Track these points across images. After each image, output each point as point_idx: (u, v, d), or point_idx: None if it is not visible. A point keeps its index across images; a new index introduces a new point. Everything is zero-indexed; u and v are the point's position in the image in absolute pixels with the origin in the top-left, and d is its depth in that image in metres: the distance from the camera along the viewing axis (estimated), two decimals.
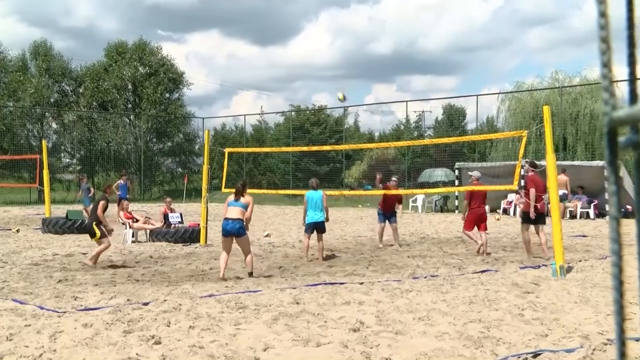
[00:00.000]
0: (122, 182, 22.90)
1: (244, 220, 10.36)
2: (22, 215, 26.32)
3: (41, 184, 22.53)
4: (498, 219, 23.31)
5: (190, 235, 15.74)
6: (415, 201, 29.76)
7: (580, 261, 12.03)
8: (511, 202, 26.14)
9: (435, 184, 34.11)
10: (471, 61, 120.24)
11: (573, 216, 24.00)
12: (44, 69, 41.28)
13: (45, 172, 20.57)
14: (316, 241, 12.88)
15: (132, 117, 44.56)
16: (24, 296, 8.62)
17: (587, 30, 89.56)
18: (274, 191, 27.08)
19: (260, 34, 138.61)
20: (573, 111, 31.21)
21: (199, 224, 16.01)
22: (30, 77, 40.53)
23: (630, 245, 1.91)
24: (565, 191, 22.22)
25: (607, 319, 7.13)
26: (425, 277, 10.26)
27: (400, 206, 15.56)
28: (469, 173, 14.79)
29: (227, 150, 17.32)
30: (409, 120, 43.62)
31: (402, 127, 45.81)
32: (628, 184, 21.21)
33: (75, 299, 8.36)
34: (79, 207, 23.53)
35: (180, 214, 17.32)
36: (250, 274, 10.39)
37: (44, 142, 21.62)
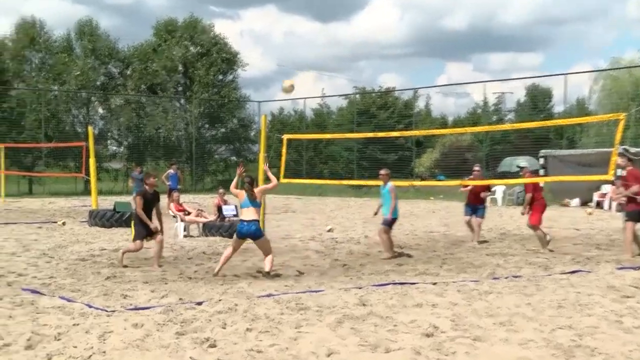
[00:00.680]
0: (172, 171, 23.35)
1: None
2: (68, 207, 27.14)
3: (87, 173, 23.07)
4: (590, 213, 22.77)
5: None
6: (494, 193, 29.34)
7: None
8: (605, 194, 25.49)
9: (517, 174, 33.53)
10: (558, 35, 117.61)
11: None
12: (90, 50, 42.35)
13: (92, 161, 21.03)
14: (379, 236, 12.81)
15: (182, 101, 45.35)
16: (71, 293, 8.88)
17: None
18: (336, 181, 27.22)
19: (321, 9, 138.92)
20: None
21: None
22: (75, 59, 41.63)
23: None
24: None
25: None
26: (506, 278, 10.13)
27: (488, 193, 15.35)
28: (520, 165, 14.57)
29: (285, 136, 17.40)
30: (487, 102, 42.98)
31: (479, 111, 45.17)
32: None
33: (124, 297, 8.57)
34: (127, 198, 24.07)
35: (235, 206, 17.48)
36: (267, 273, 10.38)
37: (90, 129, 22.02)
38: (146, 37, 49.24)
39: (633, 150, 23.51)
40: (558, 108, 43.58)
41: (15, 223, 19.74)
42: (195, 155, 43.08)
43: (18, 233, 16.98)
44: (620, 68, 33.19)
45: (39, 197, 34.45)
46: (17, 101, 39.33)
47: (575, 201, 27.37)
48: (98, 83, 43.06)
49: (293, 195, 35.24)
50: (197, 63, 44.07)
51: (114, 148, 44.87)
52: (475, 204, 14.90)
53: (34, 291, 9.00)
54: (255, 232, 10.45)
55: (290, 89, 14.20)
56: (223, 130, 46.54)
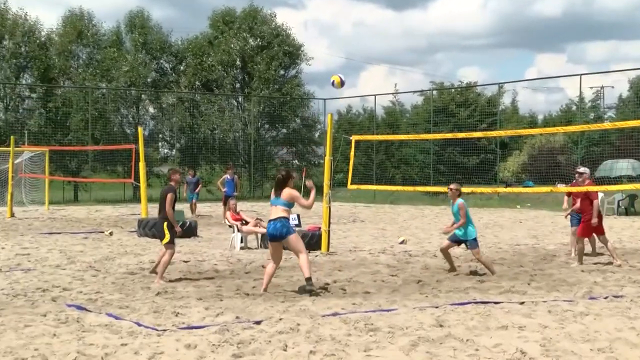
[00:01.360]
0: (228, 176, 23.62)
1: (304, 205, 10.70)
2: (116, 216, 27.72)
3: (137, 178, 23.51)
4: None
5: (310, 241, 15.92)
6: None
7: None
8: None
9: (618, 180, 32.80)
10: None
11: None
12: (141, 44, 43.27)
13: (142, 165, 21.39)
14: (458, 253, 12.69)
15: (240, 99, 45.84)
16: (119, 310, 9.07)
17: None
18: (410, 188, 27.05)
19: None
20: None
21: (319, 228, 16.20)
22: (125, 54, 42.54)
23: None
24: None
25: None
26: (605, 298, 9.92)
27: (596, 202, 15.09)
28: (579, 171, 14.41)
29: (353, 137, 17.44)
30: (584, 98, 42.18)
31: (574, 108, 44.35)
32: None
33: (176, 315, 8.70)
34: (180, 206, 24.39)
35: (298, 215, 17.59)
36: (308, 280, 10.27)
37: (140, 129, 22.47)
38: (201, 29, 50.00)
39: None
40: None
41: (60, 233, 20.26)
42: (254, 159, 43.48)
43: (62, 244, 17.42)
44: None
45: (85, 205, 35.27)
46: (62, 100, 40.38)
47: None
48: (149, 80, 43.94)
49: (361, 203, 35.22)
50: (257, 57, 44.47)
51: (166, 151, 45.73)
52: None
53: (79, 307, 9.22)
54: (280, 230, 10.44)
55: (340, 85, 14.30)
56: (284, 131, 46.86)
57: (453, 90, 43.07)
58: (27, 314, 8.75)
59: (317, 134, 46.85)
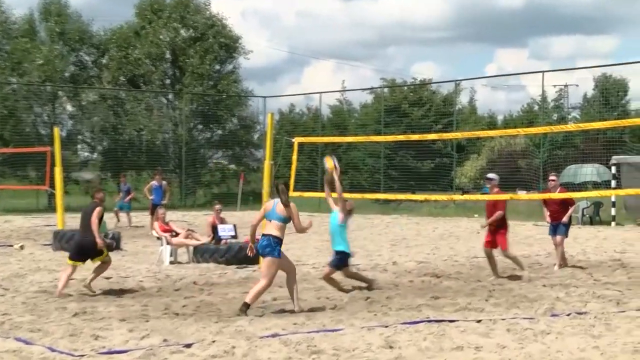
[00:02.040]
0: (156, 183, 23.46)
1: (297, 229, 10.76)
2: (28, 227, 27.23)
3: (52, 185, 23.18)
4: None
5: (247, 255, 15.89)
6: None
7: None
8: None
9: (582, 186, 33.39)
10: (638, 14, 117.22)
11: None
12: (57, 34, 42.58)
13: (58, 170, 21.11)
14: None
15: (171, 97, 45.52)
16: (30, 334, 8.92)
17: None
18: (358, 195, 27.06)
19: None
20: None
21: (258, 240, 16.15)
22: (39, 45, 41.87)
23: None
24: None
25: None
26: (568, 315, 10.08)
27: (571, 210, 15.49)
28: (488, 176, 15.15)
29: (296, 140, 17.47)
30: (546, 97, 42.88)
31: (536, 108, 45.05)
32: None
33: (95, 339, 8.59)
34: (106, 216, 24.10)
35: (234, 226, 17.54)
36: (246, 305, 10.26)
37: (56, 130, 22.13)
38: (127, 18, 49.68)
39: None
40: (635, 104, 43.51)
41: None
42: (186, 163, 43.13)
43: None
44: None
45: None
46: None
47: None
48: (67, 74, 43.30)
49: (305, 212, 35.08)
50: (189, 50, 44.17)
51: (86, 154, 45.11)
52: (555, 221, 15.33)
53: None
54: (263, 249, 10.53)
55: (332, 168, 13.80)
56: (220, 132, 46.62)
57: (406, 87, 43.33)
58: None
59: (256, 136, 46.70)
